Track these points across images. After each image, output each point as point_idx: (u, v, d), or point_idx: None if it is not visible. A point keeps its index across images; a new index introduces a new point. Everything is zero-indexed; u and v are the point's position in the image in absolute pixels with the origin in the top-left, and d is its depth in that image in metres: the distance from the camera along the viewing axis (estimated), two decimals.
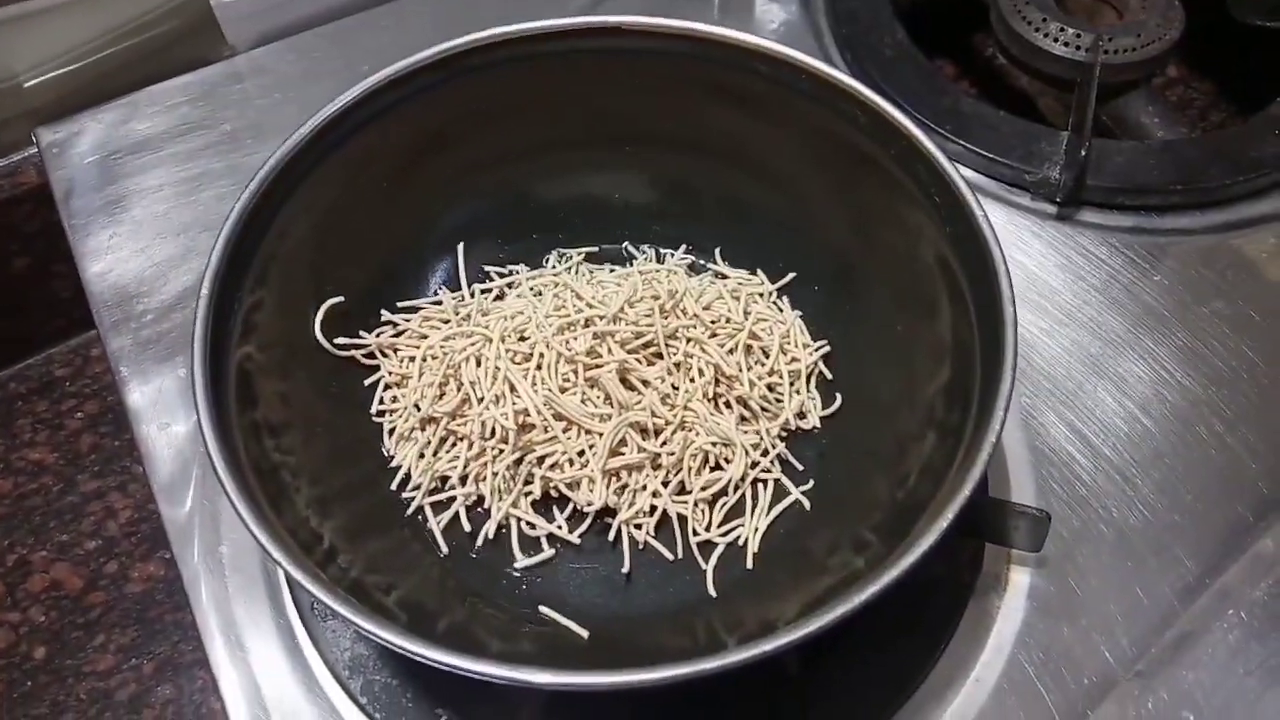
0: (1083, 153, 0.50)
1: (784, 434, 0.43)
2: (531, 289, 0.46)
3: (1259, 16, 0.60)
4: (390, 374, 0.44)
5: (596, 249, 0.48)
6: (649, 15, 0.43)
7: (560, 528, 0.41)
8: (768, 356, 0.44)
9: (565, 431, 0.41)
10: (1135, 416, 0.46)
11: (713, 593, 0.40)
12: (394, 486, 0.42)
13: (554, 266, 0.48)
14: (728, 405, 0.43)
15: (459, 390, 0.42)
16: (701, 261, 0.48)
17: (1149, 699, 0.38)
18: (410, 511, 0.41)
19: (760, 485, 0.42)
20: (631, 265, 0.48)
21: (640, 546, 0.41)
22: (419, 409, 0.42)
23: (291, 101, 0.56)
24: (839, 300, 0.45)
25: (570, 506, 0.41)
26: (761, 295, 0.46)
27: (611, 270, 0.47)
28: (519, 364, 0.43)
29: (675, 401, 0.42)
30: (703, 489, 0.41)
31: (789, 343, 0.45)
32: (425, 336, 0.45)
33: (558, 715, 0.39)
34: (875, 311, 0.44)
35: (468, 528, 0.41)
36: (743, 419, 0.43)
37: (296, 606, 0.41)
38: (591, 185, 0.48)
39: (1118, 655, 0.40)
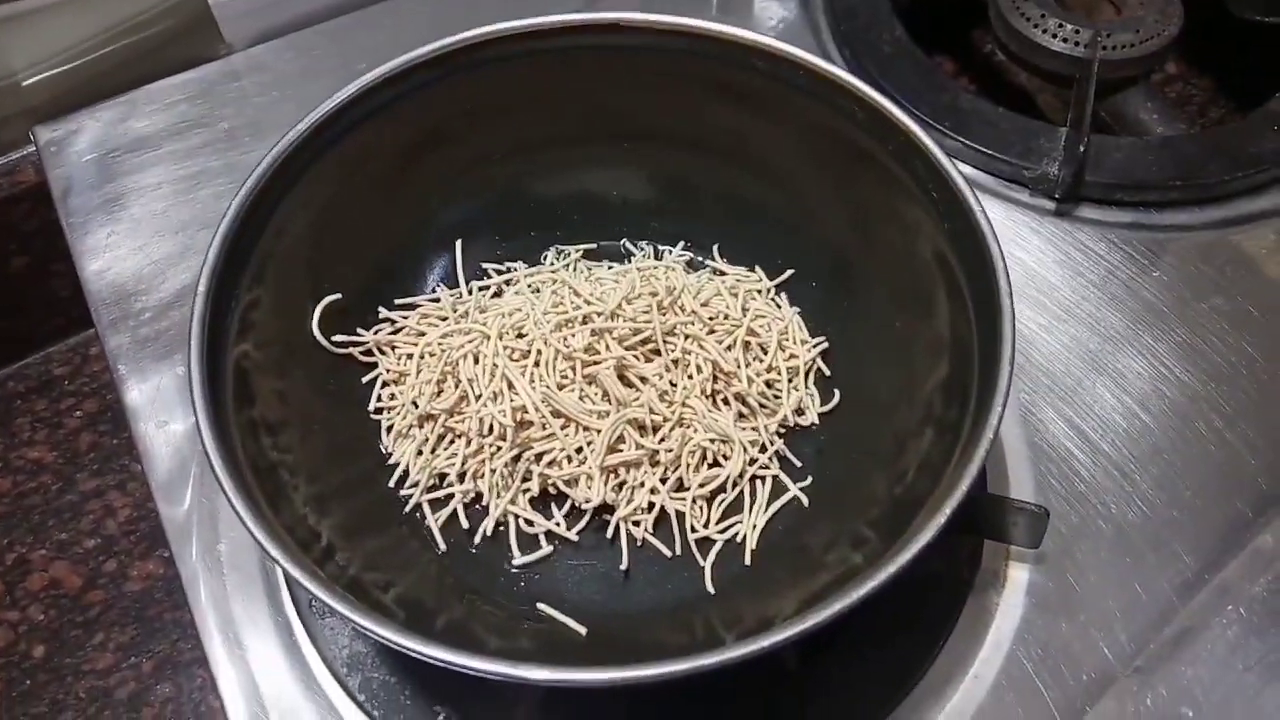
0: (1081, 149, 0.50)
1: (782, 430, 0.43)
2: (529, 286, 0.46)
3: (1257, 12, 0.60)
4: (388, 371, 0.44)
5: (595, 246, 0.48)
6: (647, 12, 0.43)
7: (558, 525, 0.41)
8: (766, 353, 0.44)
9: (563, 428, 0.41)
10: (1134, 412, 0.46)
11: (711, 589, 0.40)
12: (392, 484, 0.42)
13: (552, 263, 0.48)
14: (726, 402, 0.43)
15: (457, 387, 0.42)
16: (700, 258, 0.48)
17: (1148, 695, 0.38)
18: (408, 509, 0.41)
19: (758, 482, 0.42)
20: (630, 262, 0.48)
21: (638, 543, 0.41)
22: (417, 406, 0.42)
23: (289, 99, 0.56)
24: (837, 297, 0.45)
25: (568, 503, 0.41)
26: (760, 292, 0.46)
27: (610, 267, 0.47)
28: (517, 361, 0.43)
29: (673, 398, 0.42)
30: (701, 486, 0.41)
31: (787, 339, 0.45)
32: (423, 333, 0.44)
33: (556, 712, 0.39)
34: (873, 308, 0.43)
35: (466, 525, 0.41)
36: (741, 415, 0.43)
37: (295, 604, 0.41)
38: (589, 182, 0.48)
39: (1116, 651, 0.40)
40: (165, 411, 0.46)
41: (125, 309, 0.49)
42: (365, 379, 0.44)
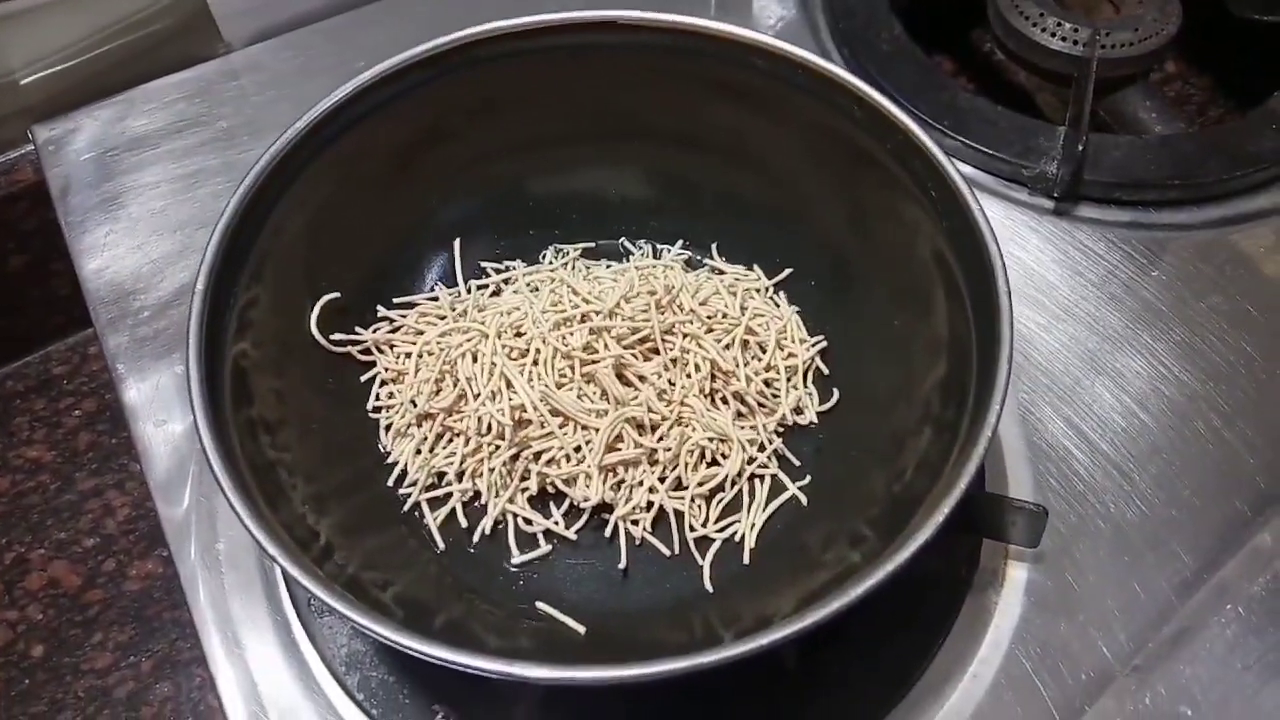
0: (1080, 148, 0.50)
1: (781, 429, 0.43)
2: (528, 285, 0.46)
3: (1256, 11, 0.60)
4: (386, 370, 0.44)
5: (593, 244, 0.48)
6: (646, 10, 0.43)
7: (557, 523, 0.41)
8: (764, 352, 0.44)
9: (562, 427, 0.41)
10: (1133, 412, 0.46)
11: (709, 588, 0.40)
12: (390, 483, 0.42)
13: (550, 262, 0.48)
14: (724, 401, 0.43)
15: (455, 386, 0.42)
16: (698, 257, 0.48)
17: (1146, 694, 0.38)
18: (407, 508, 0.41)
19: (757, 481, 0.42)
20: (628, 261, 0.48)
21: (637, 542, 0.41)
22: (415, 405, 0.42)
23: (287, 98, 0.56)
24: (836, 295, 0.45)
25: (567, 502, 0.41)
26: (758, 290, 0.46)
27: (608, 266, 0.47)
28: (515, 360, 0.42)
29: (672, 397, 0.42)
30: (699, 484, 0.41)
31: (786, 338, 0.45)
32: (421, 332, 0.44)
33: (554, 711, 0.39)
34: (872, 307, 0.43)
35: (464, 524, 0.41)
36: (739, 414, 0.43)
37: (293, 603, 0.41)
38: (588, 181, 0.48)
39: (1115, 651, 0.40)
40: (164, 410, 0.46)
41: (124, 308, 0.49)
42: (363, 378, 0.44)
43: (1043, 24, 0.56)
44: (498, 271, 0.48)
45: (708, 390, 0.43)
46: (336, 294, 0.43)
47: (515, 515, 0.41)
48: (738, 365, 0.43)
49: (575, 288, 0.44)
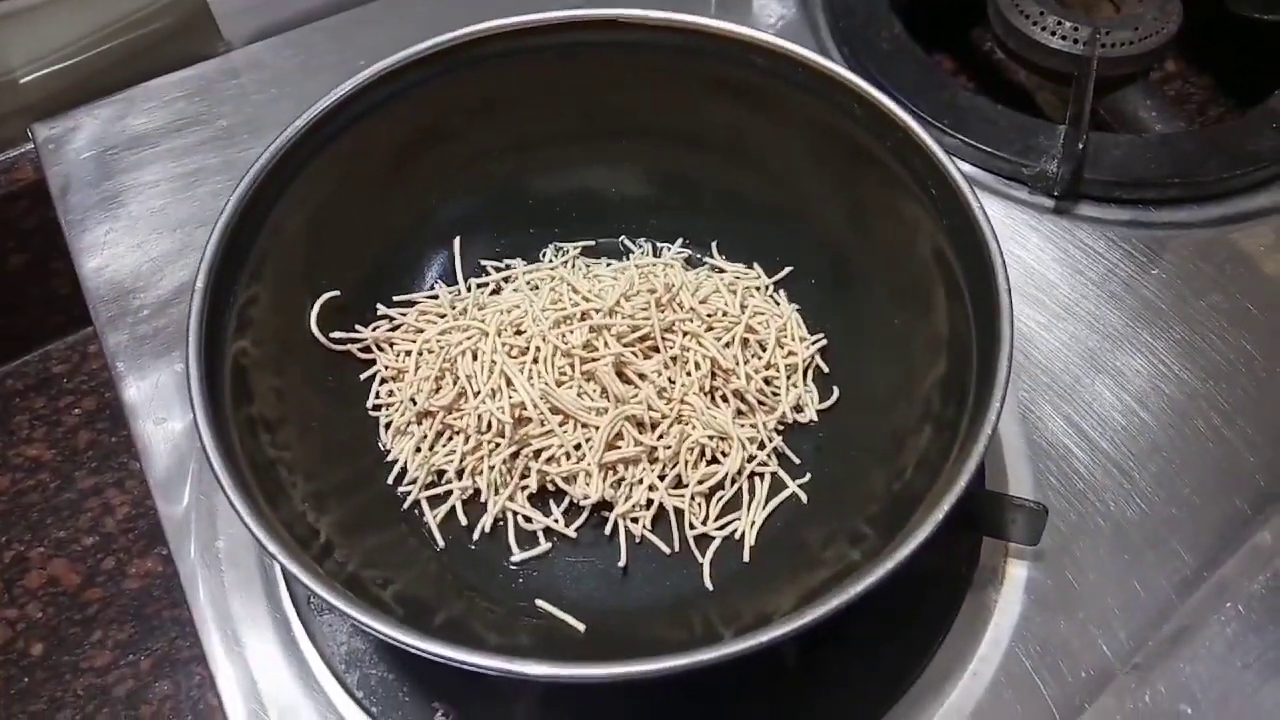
0: (1080, 146, 0.50)
1: (781, 427, 0.43)
2: (528, 283, 0.46)
3: (1256, 10, 0.60)
4: (386, 368, 0.44)
5: (593, 243, 0.48)
6: (646, 8, 0.43)
7: (557, 521, 0.41)
8: (764, 350, 0.44)
9: (561, 425, 0.41)
10: (1133, 410, 0.46)
11: (709, 586, 0.40)
12: (390, 481, 0.42)
13: (550, 260, 0.48)
14: (724, 399, 0.43)
15: (455, 384, 0.42)
16: (698, 255, 0.48)
17: (1146, 692, 0.38)
18: (407, 505, 0.41)
19: (757, 479, 0.42)
20: (628, 259, 0.48)
21: (637, 540, 0.41)
22: (415, 403, 0.42)
23: (288, 97, 0.56)
24: (836, 294, 0.45)
25: (567, 500, 0.41)
26: (758, 289, 0.46)
27: (608, 264, 0.47)
28: (515, 358, 0.42)
29: (672, 395, 0.42)
30: (699, 482, 0.41)
31: (786, 336, 0.45)
32: (421, 330, 0.44)
33: (555, 709, 0.39)
34: (872, 305, 0.43)
35: (464, 521, 0.41)
36: (739, 412, 0.43)
37: (293, 601, 0.41)
38: (588, 179, 0.48)
39: (1115, 649, 0.40)
40: (164, 409, 0.46)
41: (124, 306, 0.49)
42: (363, 376, 0.44)
43: (1043, 23, 0.56)
44: (498, 270, 0.48)
45: (708, 388, 0.43)
46: (336, 292, 0.43)
47: (515, 513, 0.41)
48: (738, 363, 0.43)
49: (575, 286, 0.44)
